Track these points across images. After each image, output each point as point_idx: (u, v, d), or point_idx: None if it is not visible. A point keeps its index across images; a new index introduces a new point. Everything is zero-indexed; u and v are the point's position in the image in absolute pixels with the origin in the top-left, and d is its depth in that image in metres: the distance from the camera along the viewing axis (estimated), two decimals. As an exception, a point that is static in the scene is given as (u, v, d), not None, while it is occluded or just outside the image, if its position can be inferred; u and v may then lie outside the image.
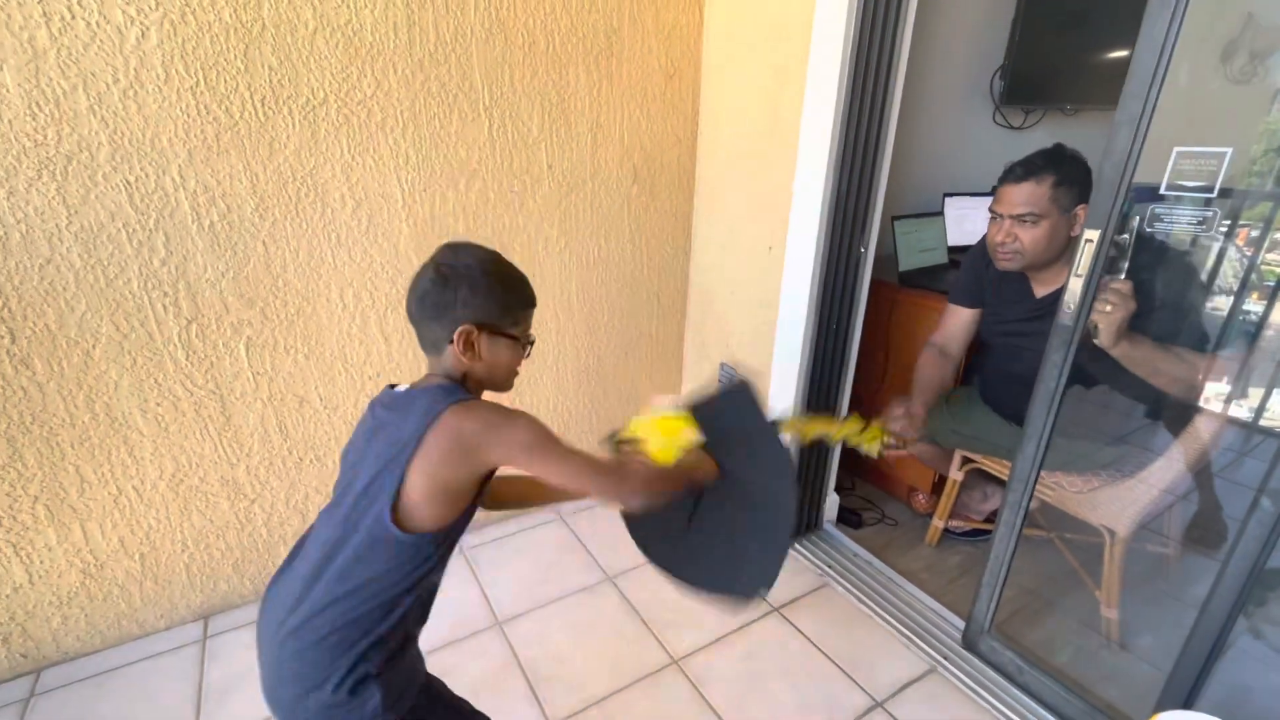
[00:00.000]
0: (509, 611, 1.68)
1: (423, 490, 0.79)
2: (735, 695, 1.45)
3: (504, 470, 0.87)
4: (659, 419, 1.06)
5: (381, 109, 1.48)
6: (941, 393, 1.73)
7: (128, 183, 1.29)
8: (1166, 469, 1.43)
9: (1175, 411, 1.45)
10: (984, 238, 1.62)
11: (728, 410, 1.07)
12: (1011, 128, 2.56)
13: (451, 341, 0.85)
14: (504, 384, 0.93)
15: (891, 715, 1.41)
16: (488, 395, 0.91)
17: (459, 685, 1.45)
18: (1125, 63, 1.09)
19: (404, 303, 0.90)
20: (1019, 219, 1.47)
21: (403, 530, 0.80)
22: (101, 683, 1.46)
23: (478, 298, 0.85)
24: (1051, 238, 1.46)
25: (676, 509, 1.06)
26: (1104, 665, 1.55)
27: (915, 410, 1.64)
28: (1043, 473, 1.59)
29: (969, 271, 1.71)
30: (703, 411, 1.07)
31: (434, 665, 1.50)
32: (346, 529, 0.82)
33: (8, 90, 1.16)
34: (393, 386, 0.91)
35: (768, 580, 1.01)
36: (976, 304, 1.71)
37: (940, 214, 2.21)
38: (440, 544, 0.84)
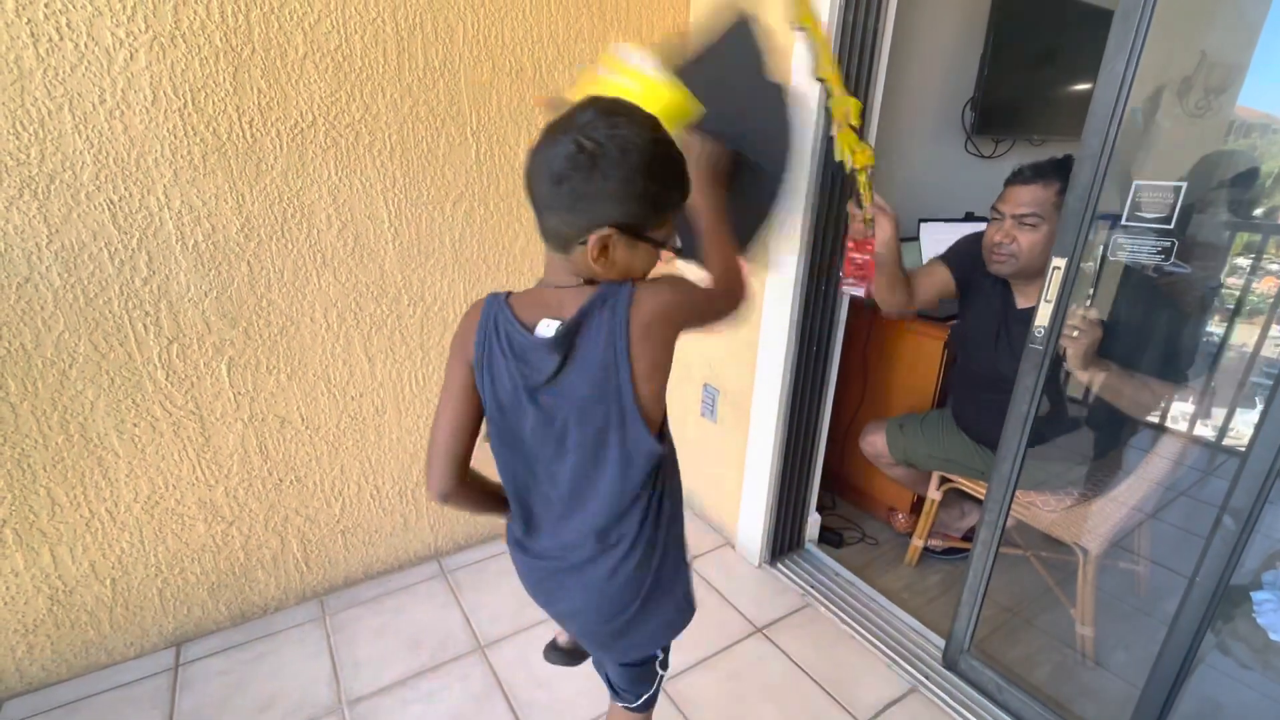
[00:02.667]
0: (491, 635, 1.66)
1: (653, 392, 0.77)
2: (720, 717, 1.45)
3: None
4: (635, 80, 0.87)
5: (370, 132, 1.50)
6: (894, 276, 1.65)
7: (111, 202, 1.28)
8: (1136, 488, 1.48)
9: (1142, 433, 1.50)
10: (986, 229, 1.61)
11: (725, 60, 0.94)
12: (982, 156, 2.65)
13: (583, 243, 0.71)
14: None
15: (874, 736, 1.42)
16: None
17: (441, 709, 1.44)
18: (1089, 96, 1.14)
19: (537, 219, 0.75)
20: (1020, 220, 1.48)
21: (663, 443, 0.80)
22: (68, 714, 1.41)
23: (631, 190, 0.69)
24: (1047, 246, 1.46)
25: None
26: (1081, 682, 1.57)
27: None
28: (1018, 492, 1.64)
29: (968, 249, 1.68)
30: (696, 69, 0.93)
31: (417, 690, 1.49)
32: (606, 471, 0.80)
33: (-9, 109, 1.16)
34: (514, 315, 0.77)
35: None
36: (957, 275, 1.69)
37: (916, 239, 2.28)
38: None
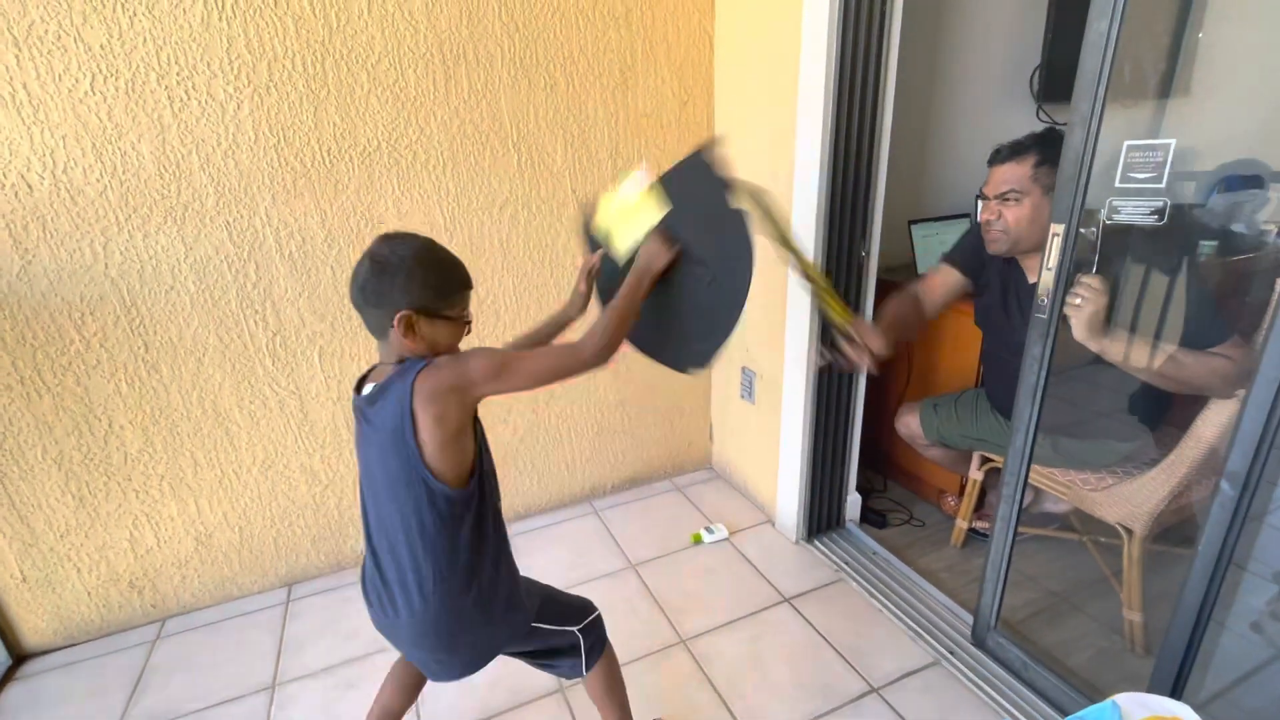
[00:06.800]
0: (639, 558, 1.93)
1: (437, 443, 0.93)
2: (734, 673, 1.54)
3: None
4: (626, 205, 1.11)
5: (425, 151, 1.74)
6: (899, 326, 1.60)
7: (228, 223, 1.61)
8: (1174, 467, 1.39)
9: (1177, 407, 1.41)
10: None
11: (693, 182, 1.10)
12: (1056, 124, 2.49)
13: (394, 326, 0.93)
14: None
15: (886, 702, 1.45)
16: None
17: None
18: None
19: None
20: (1002, 198, 1.48)
21: (451, 487, 0.96)
22: (209, 632, 1.78)
23: (414, 284, 0.93)
24: (1034, 217, 1.45)
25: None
26: (1123, 668, 1.50)
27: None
28: (1057, 470, 1.59)
29: (973, 241, 1.65)
30: (670, 185, 1.10)
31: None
32: (407, 515, 0.96)
33: (144, 157, 1.51)
34: (360, 392, 1.01)
35: (701, 361, 1.14)
36: (966, 272, 1.67)
37: (966, 216, 2.21)
38: (478, 482, 1.00)
